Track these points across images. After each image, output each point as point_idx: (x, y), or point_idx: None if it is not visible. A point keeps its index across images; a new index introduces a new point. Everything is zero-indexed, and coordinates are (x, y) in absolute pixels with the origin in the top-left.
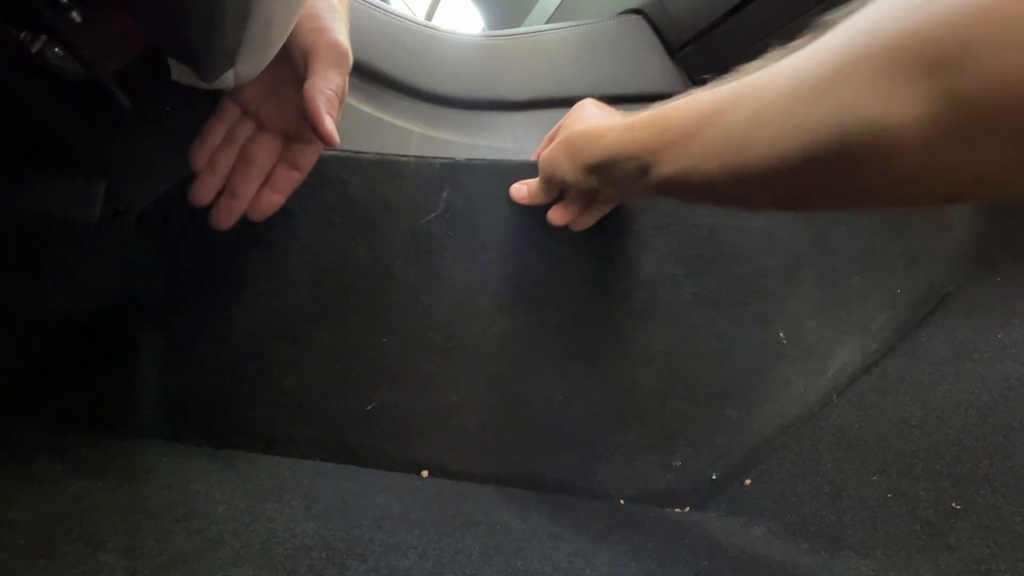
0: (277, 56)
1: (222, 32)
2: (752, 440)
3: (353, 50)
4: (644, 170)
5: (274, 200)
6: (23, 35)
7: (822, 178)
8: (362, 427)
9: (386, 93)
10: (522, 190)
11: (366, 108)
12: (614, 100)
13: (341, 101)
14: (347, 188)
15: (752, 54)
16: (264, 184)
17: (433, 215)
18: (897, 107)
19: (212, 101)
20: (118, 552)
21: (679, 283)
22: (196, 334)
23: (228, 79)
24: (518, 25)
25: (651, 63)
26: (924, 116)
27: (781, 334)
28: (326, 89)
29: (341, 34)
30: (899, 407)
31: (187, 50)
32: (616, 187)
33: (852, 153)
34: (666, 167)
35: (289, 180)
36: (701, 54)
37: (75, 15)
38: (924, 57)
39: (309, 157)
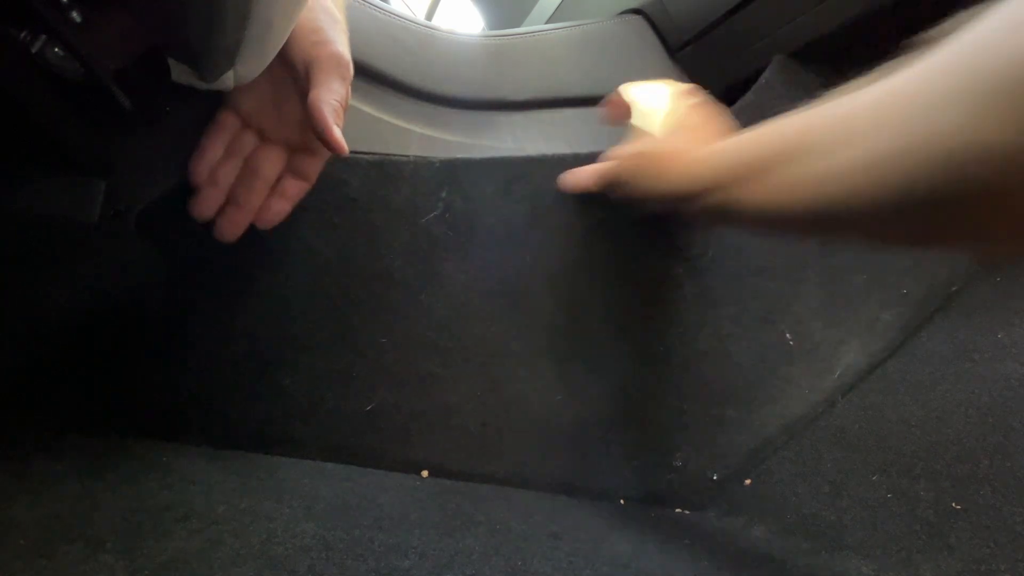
0: (276, 67)
1: (222, 32)
2: (753, 441)
3: (353, 50)
4: (720, 204)
5: (282, 207)
6: (23, 35)
7: (926, 213)
8: (362, 427)
9: (386, 93)
10: (574, 180)
11: (366, 108)
12: None
13: (344, 111)
14: (347, 188)
15: (752, 54)
16: (271, 194)
17: (433, 215)
18: (1018, 132)
19: (212, 101)
20: (118, 552)
21: (680, 283)
22: (196, 334)
23: (228, 79)
24: (518, 25)
25: (651, 63)
26: None
27: (788, 335)
28: (331, 100)
29: (342, 45)
30: (899, 407)
31: (187, 50)
32: (689, 213)
33: (962, 184)
34: (744, 202)
35: (296, 189)
36: (701, 54)
37: (75, 15)
38: None
39: (314, 167)
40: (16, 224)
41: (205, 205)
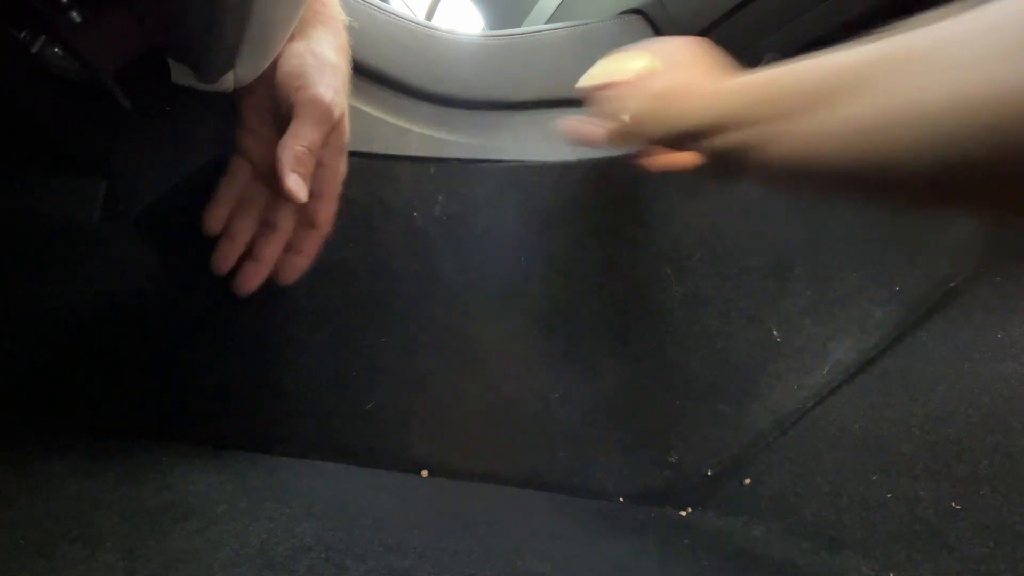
0: (279, 116)
1: (222, 33)
2: (746, 436)
3: (353, 50)
4: (747, 142)
5: (300, 263)
6: (23, 35)
7: (975, 170)
8: (361, 427)
9: (386, 93)
10: (580, 130)
11: (366, 108)
12: None
13: (313, 155)
14: (346, 189)
15: (753, 54)
16: (288, 248)
17: (431, 216)
18: None
19: (212, 101)
20: (118, 552)
21: (669, 283)
22: (196, 334)
23: (228, 80)
24: (518, 25)
25: None
26: None
27: (774, 331)
28: (296, 146)
29: (325, 87)
30: (899, 407)
31: (187, 51)
32: (711, 158)
33: (1008, 140)
34: (780, 141)
35: (312, 240)
36: None
37: (75, 15)
38: None
39: (323, 212)
40: (16, 224)
41: (222, 259)
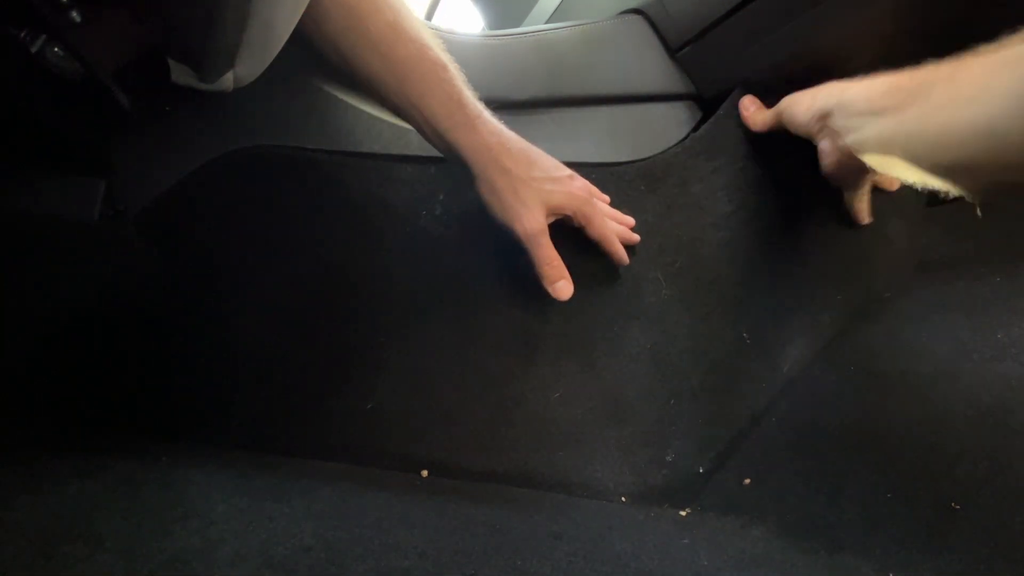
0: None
1: (221, 33)
2: (729, 432)
3: None
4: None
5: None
6: (23, 35)
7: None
8: (362, 426)
9: None
10: (750, 107)
11: (366, 108)
12: (614, 100)
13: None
14: (346, 189)
15: (752, 54)
16: None
17: (431, 216)
18: None
19: (212, 102)
20: (118, 552)
21: (660, 286)
22: (196, 334)
23: (228, 80)
24: (518, 25)
25: (651, 63)
26: None
27: (745, 334)
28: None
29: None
30: (899, 407)
31: (187, 51)
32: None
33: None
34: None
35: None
36: (701, 54)
37: (75, 15)
38: None
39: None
40: (16, 224)
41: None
